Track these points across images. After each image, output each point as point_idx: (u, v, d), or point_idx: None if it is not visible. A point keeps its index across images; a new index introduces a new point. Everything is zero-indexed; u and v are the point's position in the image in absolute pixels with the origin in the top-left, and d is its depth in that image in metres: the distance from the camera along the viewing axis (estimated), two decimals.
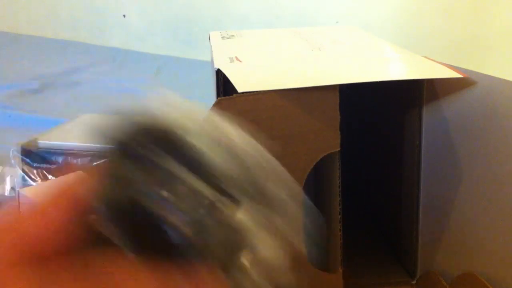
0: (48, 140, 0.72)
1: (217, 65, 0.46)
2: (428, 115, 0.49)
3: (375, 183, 0.66)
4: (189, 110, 0.21)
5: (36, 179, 0.70)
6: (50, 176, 0.70)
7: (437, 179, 0.49)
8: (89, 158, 0.69)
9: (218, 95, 0.45)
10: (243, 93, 0.39)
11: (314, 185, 0.50)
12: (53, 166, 0.70)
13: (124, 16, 1.71)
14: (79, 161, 0.69)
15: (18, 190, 0.61)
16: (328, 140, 0.42)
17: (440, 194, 0.49)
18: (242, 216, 0.19)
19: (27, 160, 0.71)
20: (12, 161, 0.71)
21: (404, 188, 0.54)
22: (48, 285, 0.18)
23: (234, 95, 0.40)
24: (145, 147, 0.19)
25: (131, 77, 1.38)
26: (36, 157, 0.70)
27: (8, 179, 0.71)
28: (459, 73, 0.44)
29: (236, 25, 1.55)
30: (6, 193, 0.70)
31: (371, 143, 0.66)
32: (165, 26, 1.67)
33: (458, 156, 0.46)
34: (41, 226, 0.19)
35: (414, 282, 0.53)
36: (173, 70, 1.46)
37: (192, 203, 0.19)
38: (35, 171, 0.71)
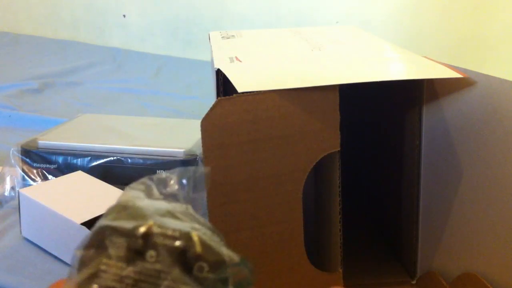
0: (48, 140, 0.72)
1: (217, 65, 0.46)
2: (428, 115, 0.49)
3: (375, 183, 0.66)
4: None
5: (36, 179, 0.70)
6: (50, 176, 0.70)
7: (437, 179, 0.49)
8: (89, 158, 0.69)
9: (218, 95, 0.45)
10: (243, 93, 0.39)
11: (314, 185, 0.50)
12: (53, 166, 0.70)
13: (124, 16, 1.71)
14: (79, 161, 0.69)
15: (18, 190, 0.61)
16: (328, 140, 0.42)
17: (440, 194, 0.49)
18: None
19: (27, 160, 0.71)
20: (12, 161, 0.71)
21: (404, 188, 0.54)
22: None
23: (234, 95, 0.40)
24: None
25: (131, 77, 1.38)
26: (36, 157, 0.71)
27: (8, 179, 0.71)
28: (459, 73, 0.44)
29: (236, 25, 1.55)
30: (6, 193, 0.70)
31: (371, 143, 0.66)
32: (165, 26, 1.67)
33: (458, 156, 0.46)
34: None
35: (414, 282, 0.53)
36: (173, 70, 1.46)
37: None
38: (35, 171, 0.71)
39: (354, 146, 0.67)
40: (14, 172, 0.71)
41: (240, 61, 0.50)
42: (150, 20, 1.68)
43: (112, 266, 0.19)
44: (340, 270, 0.46)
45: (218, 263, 0.20)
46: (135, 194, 0.22)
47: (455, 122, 0.46)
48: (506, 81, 0.41)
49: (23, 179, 0.70)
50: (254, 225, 0.42)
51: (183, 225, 0.20)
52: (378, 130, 0.63)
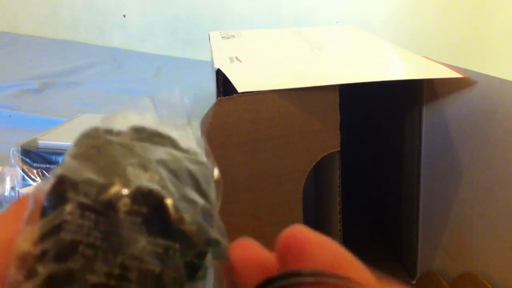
0: (48, 140, 0.72)
1: (217, 65, 0.46)
2: (428, 115, 0.49)
3: (375, 183, 0.66)
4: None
5: (36, 179, 0.70)
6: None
7: (437, 179, 0.49)
8: None
9: (218, 95, 0.45)
10: (243, 93, 0.39)
11: (314, 185, 0.50)
12: (53, 166, 0.70)
13: (124, 16, 1.71)
14: None
15: (18, 190, 0.61)
16: (328, 140, 0.42)
17: (440, 194, 0.49)
18: None
19: (27, 160, 0.71)
20: (12, 161, 0.71)
21: (404, 188, 0.54)
22: None
23: (234, 95, 0.40)
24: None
25: (131, 77, 1.38)
26: (36, 157, 0.71)
27: (8, 179, 0.71)
28: (459, 73, 0.44)
29: (236, 25, 1.55)
30: (6, 193, 0.70)
31: (371, 143, 0.66)
32: (165, 26, 1.67)
33: (458, 156, 0.46)
34: None
35: (414, 282, 0.53)
36: (173, 70, 1.46)
37: None
38: (35, 171, 0.71)
39: (354, 146, 0.67)
40: (14, 172, 0.71)
41: (240, 61, 0.50)
42: (150, 20, 1.68)
43: (77, 216, 0.17)
44: None
45: (197, 231, 0.18)
46: (120, 120, 0.19)
47: (455, 122, 0.46)
48: (506, 81, 0.41)
49: (23, 179, 0.70)
50: (254, 225, 0.42)
51: (160, 184, 0.18)
52: (378, 130, 0.63)
